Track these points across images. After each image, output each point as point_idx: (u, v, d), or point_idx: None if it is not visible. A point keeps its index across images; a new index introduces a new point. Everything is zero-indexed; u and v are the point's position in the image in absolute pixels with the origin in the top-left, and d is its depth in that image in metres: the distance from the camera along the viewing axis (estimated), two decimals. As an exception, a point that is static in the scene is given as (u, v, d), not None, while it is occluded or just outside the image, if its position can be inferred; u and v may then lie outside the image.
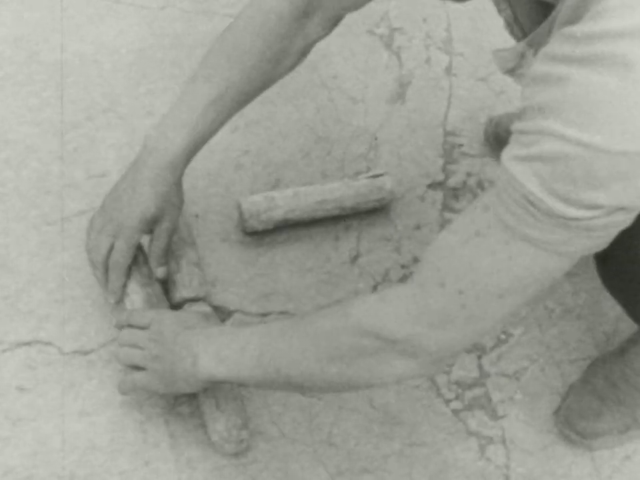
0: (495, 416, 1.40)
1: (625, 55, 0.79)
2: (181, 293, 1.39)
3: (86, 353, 1.39)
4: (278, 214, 1.50)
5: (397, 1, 1.90)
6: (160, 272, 1.38)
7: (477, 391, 1.43)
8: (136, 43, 1.76)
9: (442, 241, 0.99)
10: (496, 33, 1.85)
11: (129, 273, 1.36)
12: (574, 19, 0.86)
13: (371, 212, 1.58)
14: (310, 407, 1.37)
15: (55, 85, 1.68)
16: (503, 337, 1.48)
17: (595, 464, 1.37)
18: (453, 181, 1.65)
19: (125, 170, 1.35)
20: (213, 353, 1.17)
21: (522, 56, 1.09)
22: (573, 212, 0.85)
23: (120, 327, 1.33)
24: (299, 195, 1.52)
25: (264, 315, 1.45)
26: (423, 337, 0.99)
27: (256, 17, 1.28)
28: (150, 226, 1.33)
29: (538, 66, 0.87)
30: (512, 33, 1.21)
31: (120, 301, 1.36)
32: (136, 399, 1.35)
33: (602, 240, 0.90)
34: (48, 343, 1.39)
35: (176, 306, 1.40)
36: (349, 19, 1.85)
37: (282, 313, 1.46)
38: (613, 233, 0.90)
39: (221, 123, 1.33)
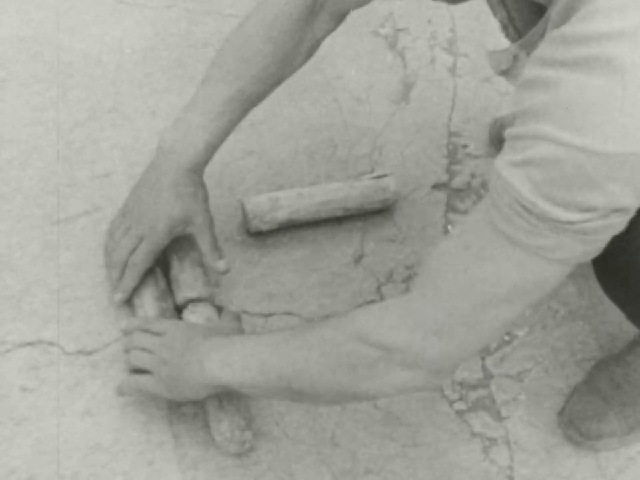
0: (498, 417, 1.40)
1: (614, 58, 0.79)
2: (184, 293, 1.39)
3: (89, 353, 1.38)
4: (282, 214, 1.50)
5: (402, 2, 1.90)
6: (221, 265, 1.39)
7: (481, 392, 1.42)
8: (140, 43, 1.76)
9: (440, 249, 1.00)
10: (500, 33, 1.85)
11: (145, 284, 1.38)
12: (565, 20, 0.86)
13: (375, 213, 1.57)
14: (313, 407, 1.37)
15: (58, 84, 1.68)
16: (506, 338, 1.47)
17: (599, 465, 1.37)
18: (457, 182, 1.65)
19: (144, 173, 1.38)
20: (220, 358, 1.18)
21: (515, 58, 1.09)
22: (567, 215, 0.85)
23: (129, 331, 1.33)
24: (302, 195, 1.51)
25: (267, 315, 1.45)
26: (423, 347, 0.99)
27: (265, 17, 1.29)
28: (178, 229, 1.37)
29: (529, 70, 0.87)
30: (507, 35, 1.21)
31: (125, 301, 1.38)
32: (139, 399, 1.35)
33: (596, 245, 0.90)
34: (51, 343, 1.39)
35: (180, 306, 1.40)
36: (354, 19, 1.85)
37: (286, 313, 1.46)
38: (607, 237, 0.89)
39: (236, 123, 1.35)
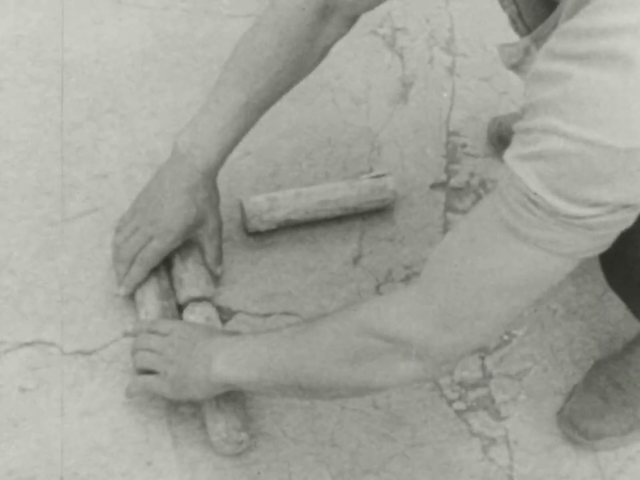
0: (498, 416, 1.40)
1: (625, 52, 0.78)
2: (188, 292, 1.39)
3: (88, 353, 1.38)
4: (280, 214, 1.50)
5: (400, 1, 1.90)
6: (219, 270, 1.44)
7: (480, 392, 1.42)
8: (138, 44, 1.76)
9: (446, 242, 1.00)
10: (499, 33, 1.85)
11: (148, 282, 1.40)
12: (576, 13, 0.85)
13: (374, 212, 1.57)
14: (312, 407, 1.37)
15: (56, 85, 1.68)
16: (506, 337, 1.47)
17: (599, 465, 1.36)
18: (455, 181, 1.65)
19: (157, 173, 1.40)
20: (226, 356, 1.19)
21: (526, 51, 1.09)
22: (575, 210, 0.84)
23: (135, 333, 1.35)
24: (301, 195, 1.51)
25: (267, 315, 1.45)
26: (427, 338, 0.99)
27: (278, 22, 1.30)
28: (193, 231, 1.40)
29: (539, 63, 0.87)
30: (516, 29, 1.20)
31: (128, 295, 1.40)
32: (138, 400, 1.34)
33: (604, 240, 0.89)
34: (50, 344, 1.39)
35: (182, 305, 1.40)
36: (352, 19, 1.85)
37: (284, 313, 1.46)
38: (615, 232, 0.89)
39: (249, 127, 1.38)
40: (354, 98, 1.74)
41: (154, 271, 1.41)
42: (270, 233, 1.53)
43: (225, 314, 1.44)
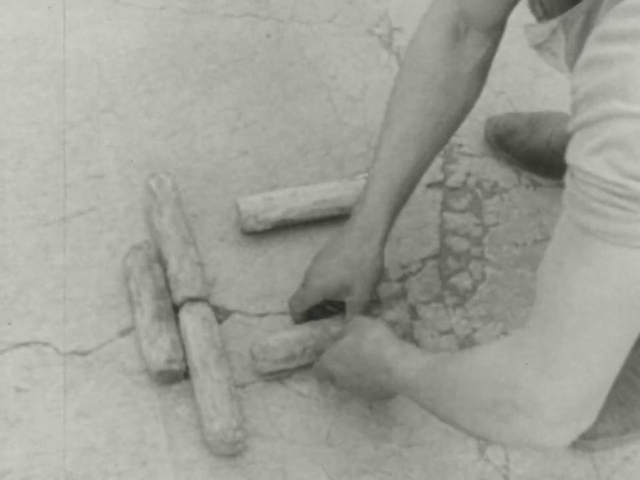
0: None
1: None
2: (183, 292, 1.39)
3: (84, 353, 1.38)
4: (276, 214, 1.50)
5: (397, 1, 1.90)
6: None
7: (476, 392, 1.42)
8: (135, 43, 1.76)
9: (538, 276, 0.94)
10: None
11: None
12: None
13: (370, 212, 1.57)
14: (308, 407, 1.37)
15: (53, 84, 1.68)
16: (502, 337, 1.47)
17: (595, 465, 1.36)
18: (452, 181, 1.65)
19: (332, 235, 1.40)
20: (403, 367, 1.15)
21: (553, 32, 1.07)
22: None
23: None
24: (297, 195, 1.51)
25: (262, 315, 1.45)
26: (530, 386, 0.92)
27: (413, 64, 1.30)
28: (330, 297, 1.36)
29: (590, 49, 0.84)
30: (533, 10, 1.17)
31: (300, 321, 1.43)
32: (134, 400, 1.34)
33: None
34: (46, 344, 1.39)
35: (178, 305, 1.40)
36: (348, 19, 1.85)
37: (281, 313, 1.45)
38: None
39: (414, 173, 1.33)
40: (351, 97, 1.74)
41: (148, 269, 1.41)
42: (266, 232, 1.53)
43: (220, 314, 1.44)
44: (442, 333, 1.46)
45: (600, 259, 0.85)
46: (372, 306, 1.46)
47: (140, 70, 1.72)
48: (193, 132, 1.65)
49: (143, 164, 1.59)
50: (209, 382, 1.31)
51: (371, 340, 1.21)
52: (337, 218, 1.55)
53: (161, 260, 1.44)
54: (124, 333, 1.41)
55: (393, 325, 1.42)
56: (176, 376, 1.35)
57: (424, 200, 1.61)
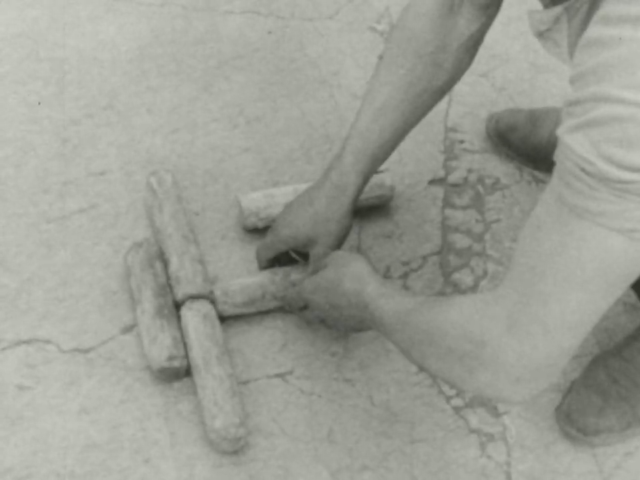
0: (496, 413, 1.40)
1: None
2: (184, 289, 1.39)
3: (85, 351, 1.38)
4: (277, 211, 1.49)
5: (398, -3, 1.90)
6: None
7: (478, 388, 1.42)
8: (135, 40, 1.76)
9: (520, 237, 0.97)
10: (497, 29, 1.85)
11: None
12: None
13: (372, 209, 1.57)
14: (310, 404, 1.37)
15: (54, 82, 1.68)
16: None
17: (597, 461, 1.36)
18: (453, 177, 1.65)
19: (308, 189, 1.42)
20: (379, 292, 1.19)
21: (556, 20, 1.07)
22: (627, 176, 0.82)
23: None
24: (298, 192, 1.51)
25: (264, 312, 1.44)
26: (497, 342, 0.96)
27: (406, 25, 1.31)
28: (296, 247, 1.41)
29: (591, 30, 0.85)
30: None
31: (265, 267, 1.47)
32: (136, 397, 1.35)
33: None
34: (47, 341, 1.39)
35: (179, 302, 1.40)
36: (350, 15, 1.85)
37: (282, 309, 1.45)
38: None
39: (390, 140, 1.36)
40: (352, 94, 1.74)
41: (149, 267, 1.41)
42: (267, 229, 1.53)
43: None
44: (444, 330, 1.46)
45: (569, 230, 0.89)
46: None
47: (141, 67, 1.72)
48: (194, 129, 1.65)
49: (144, 161, 1.59)
50: (211, 379, 1.31)
51: (351, 275, 1.24)
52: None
53: (162, 257, 1.44)
54: (126, 330, 1.41)
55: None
56: (177, 373, 1.35)
57: (425, 196, 1.61)
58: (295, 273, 1.43)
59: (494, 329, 0.96)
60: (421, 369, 1.11)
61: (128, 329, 1.41)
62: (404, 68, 1.30)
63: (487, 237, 1.57)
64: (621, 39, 0.81)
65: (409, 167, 1.64)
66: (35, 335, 1.39)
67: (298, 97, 1.71)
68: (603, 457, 1.37)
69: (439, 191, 1.63)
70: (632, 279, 0.92)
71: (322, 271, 1.30)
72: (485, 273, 1.53)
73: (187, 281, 1.40)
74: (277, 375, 1.39)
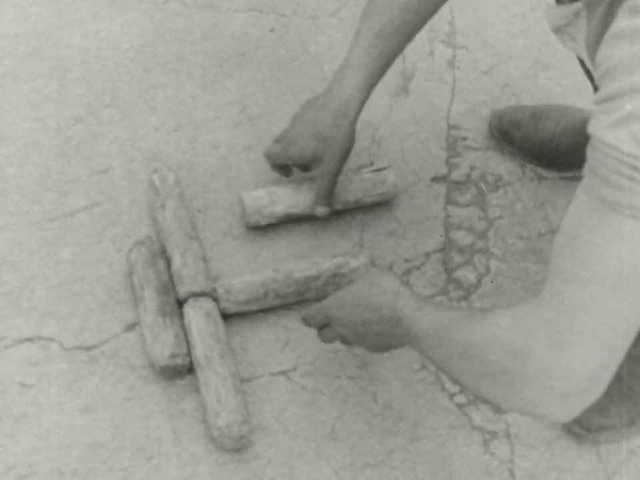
0: (499, 410, 1.39)
1: None
2: (187, 287, 1.39)
3: (88, 348, 1.38)
4: (280, 209, 1.49)
5: (400, -6, 1.89)
6: (319, 211, 1.50)
7: (481, 385, 1.42)
8: (138, 38, 1.76)
9: (556, 244, 0.93)
10: (500, 26, 1.85)
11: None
12: None
13: (375, 206, 1.57)
14: (313, 402, 1.37)
15: (56, 80, 1.68)
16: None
17: (600, 458, 1.36)
18: (456, 175, 1.64)
19: (304, 105, 1.47)
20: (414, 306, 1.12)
21: (576, 15, 1.05)
22: None
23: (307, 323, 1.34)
24: (301, 189, 1.51)
25: (267, 310, 1.44)
26: (540, 355, 0.91)
27: None
28: (301, 164, 1.49)
29: (618, 23, 0.84)
30: None
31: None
32: (138, 395, 1.35)
33: None
34: (50, 339, 1.39)
35: (181, 300, 1.40)
36: (352, 13, 1.85)
37: (284, 308, 1.45)
38: None
39: (389, 59, 1.41)
40: (354, 91, 1.73)
41: (153, 265, 1.41)
42: (270, 227, 1.53)
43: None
44: (447, 327, 1.46)
45: (612, 231, 0.85)
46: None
47: (143, 65, 1.72)
48: (197, 127, 1.65)
49: (146, 159, 1.59)
50: (214, 377, 1.31)
51: (383, 289, 1.18)
52: (341, 212, 1.55)
53: (164, 255, 1.44)
54: (129, 328, 1.41)
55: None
56: (180, 371, 1.35)
57: (428, 194, 1.61)
58: (297, 272, 1.43)
59: (537, 342, 0.91)
60: (459, 385, 1.05)
61: (131, 327, 1.41)
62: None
63: (490, 234, 1.57)
64: None
65: (412, 164, 1.64)
66: (38, 333, 1.39)
67: (300, 95, 1.71)
68: (606, 455, 1.37)
69: (441, 188, 1.62)
70: None
71: (349, 287, 1.25)
72: (488, 270, 1.53)
73: (190, 278, 1.40)
74: (280, 373, 1.39)
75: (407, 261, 1.53)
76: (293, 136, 1.45)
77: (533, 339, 0.91)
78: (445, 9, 1.86)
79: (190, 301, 1.39)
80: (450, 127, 1.70)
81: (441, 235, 1.55)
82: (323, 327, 1.29)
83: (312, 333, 1.41)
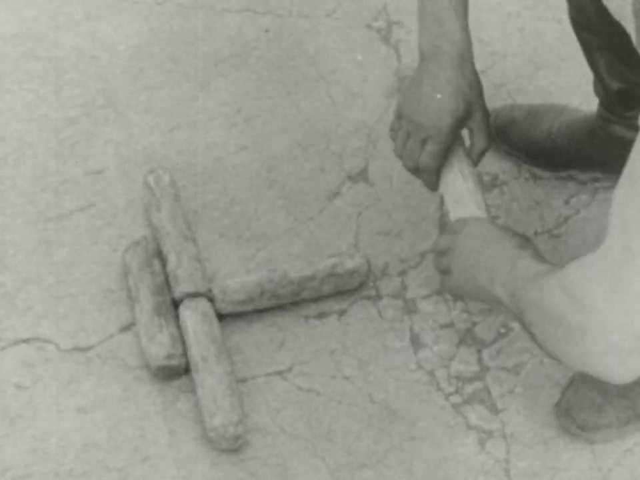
0: (494, 410, 1.40)
1: None
2: (182, 287, 1.39)
3: (84, 349, 1.38)
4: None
5: (395, -6, 1.90)
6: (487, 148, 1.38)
7: (477, 385, 1.42)
8: (133, 39, 1.76)
9: (617, 192, 0.90)
10: (495, 26, 1.85)
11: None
12: None
13: (370, 206, 1.57)
14: (309, 402, 1.37)
15: (51, 81, 1.68)
16: (502, 330, 1.47)
17: (596, 457, 1.36)
18: (452, 175, 1.64)
19: (411, 80, 1.33)
20: (504, 280, 1.11)
21: None
22: None
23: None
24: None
25: (263, 310, 1.44)
26: (600, 302, 0.89)
27: None
28: (462, 124, 1.33)
29: None
30: None
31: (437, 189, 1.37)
32: (134, 395, 1.35)
33: None
34: (46, 340, 1.39)
35: (177, 300, 1.40)
36: (347, 13, 1.85)
37: (281, 308, 1.45)
38: None
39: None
40: (350, 92, 1.74)
41: (149, 265, 1.41)
42: (267, 228, 1.53)
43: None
44: (442, 327, 1.46)
45: None
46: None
47: (138, 66, 1.72)
48: (192, 127, 1.65)
49: (141, 160, 1.59)
50: (210, 377, 1.31)
51: (495, 232, 1.19)
52: (337, 210, 1.55)
53: (160, 256, 1.44)
54: (124, 328, 1.41)
55: (392, 321, 1.42)
56: (176, 371, 1.35)
57: (423, 193, 1.61)
58: (293, 272, 1.43)
59: (598, 290, 0.89)
60: (532, 338, 1.04)
61: (126, 328, 1.41)
62: None
63: (486, 233, 1.57)
64: None
65: (407, 164, 1.64)
66: (34, 334, 1.39)
67: (296, 95, 1.71)
68: (602, 454, 1.37)
69: (437, 188, 1.62)
70: None
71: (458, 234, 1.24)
72: (484, 269, 1.53)
73: (185, 279, 1.40)
74: (276, 373, 1.39)
75: (402, 261, 1.53)
76: (427, 107, 1.30)
77: (594, 287, 0.90)
78: (440, 8, 1.86)
79: (185, 301, 1.39)
80: (445, 127, 1.70)
81: (437, 235, 1.55)
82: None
83: (308, 332, 1.41)
